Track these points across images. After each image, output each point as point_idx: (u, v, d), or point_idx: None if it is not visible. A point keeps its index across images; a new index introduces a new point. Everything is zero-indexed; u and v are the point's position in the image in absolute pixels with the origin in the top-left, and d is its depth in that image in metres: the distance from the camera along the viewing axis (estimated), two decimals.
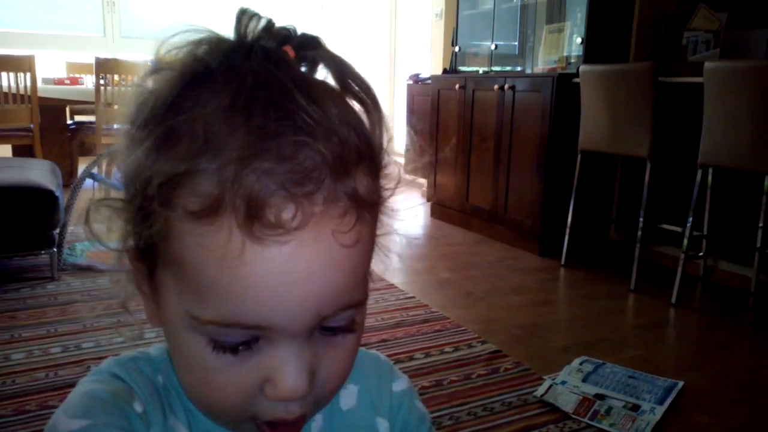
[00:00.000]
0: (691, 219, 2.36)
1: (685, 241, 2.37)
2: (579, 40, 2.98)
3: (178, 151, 0.34)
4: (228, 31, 0.41)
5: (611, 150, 2.65)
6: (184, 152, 0.33)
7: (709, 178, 2.55)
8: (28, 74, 4.07)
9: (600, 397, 1.59)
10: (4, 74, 4.03)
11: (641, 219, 2.53)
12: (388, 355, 1.84)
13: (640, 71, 2.46)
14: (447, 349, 1.89)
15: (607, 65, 2.63)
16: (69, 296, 2.27)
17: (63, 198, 2.51)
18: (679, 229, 2.55)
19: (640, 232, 2.54)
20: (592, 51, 2.94)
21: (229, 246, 0.33)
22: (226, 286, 0.34)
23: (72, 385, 1.36)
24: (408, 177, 4.76)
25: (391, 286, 2.48)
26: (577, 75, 2.79)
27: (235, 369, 0.36)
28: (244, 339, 0.36)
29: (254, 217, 0.32)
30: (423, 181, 4.47)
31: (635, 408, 1.54)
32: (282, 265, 0.33)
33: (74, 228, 3.16)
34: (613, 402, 1.56)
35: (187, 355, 0.38)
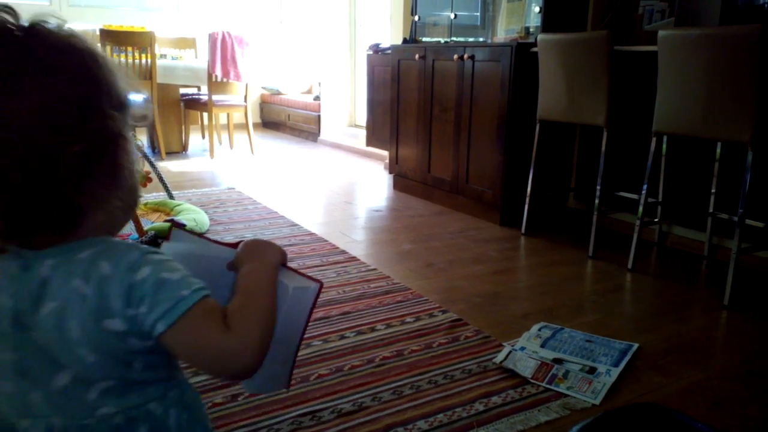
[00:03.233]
0: (646, 186, 2.40)
1: (641, 208, 2.42)
2: (537, 9, 2.97)
3: None
4: None
5: (569, 119, 2.67)
6: None
7: (664, 146, 2.60)
8: None
9: (558, 361, 1.62)
10: None
11: (598, 187, 2.57)
12: (350, 327, 1.85)
13: (596, 40, 2.47)
14: (408, 319, 1.89)
15: (563, 34, 2.63)
16: None
17: None
18: (635, 197, 2.60)
19: (597, 200, 2.57)
20: (550, 20, 2.93)
21: None
22: None
23: None
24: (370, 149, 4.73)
25: (353, 258, 2.47)
26: (536, 44, 2.79)
27: None
28: None
29: None
30: (385, 153, 4.45)
31: (592, 371, 1.57)
32: None
33: None
34: (571, 366, 1.59)
35: None
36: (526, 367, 1.57)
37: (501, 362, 1.60)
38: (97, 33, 4.34)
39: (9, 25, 0.57)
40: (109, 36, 4.41)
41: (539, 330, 1.80)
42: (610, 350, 1.69)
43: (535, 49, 2.79)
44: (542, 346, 1.70)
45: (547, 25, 2.92)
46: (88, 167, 0.57)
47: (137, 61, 4.49)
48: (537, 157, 2.83)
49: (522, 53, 2.85)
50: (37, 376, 0.58)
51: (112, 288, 0.57)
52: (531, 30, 3.09)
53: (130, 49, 4.47)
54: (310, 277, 0.71)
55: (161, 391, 0.63)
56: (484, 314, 1.96)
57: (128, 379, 0.60)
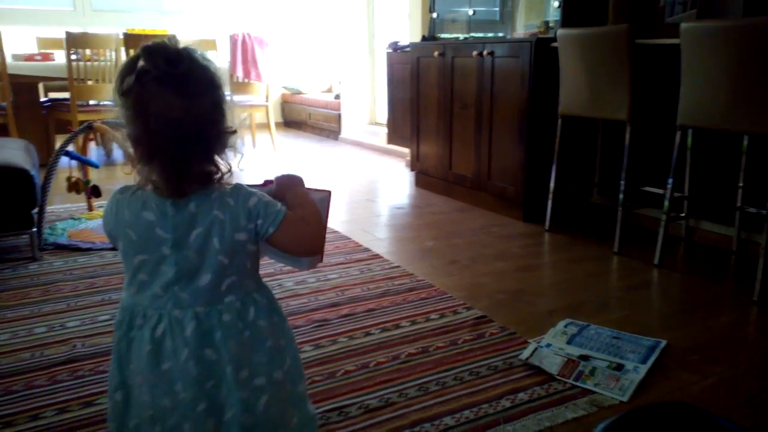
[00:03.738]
0: (671, 180, 2.37)
1: (667, 203, 2.39)
2: (556, 3, 2.95)
3: None
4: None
5: (591, 114, 2.64)
6: None
7: (689, 139, 2.56)
8: None
9: (584, 358, 1.61)
10: None
11: (623, 182, 2.54)
12: (375, 324, 1.86)
13: (616, 34, 2.44)
14: (433, 316, 1.90)
15: (584, 28, 2.60)
16: (51, 276, 2.24)
17: (39, 177, 2.46)
18: (660, 191, 2.56)
19: (622, 195, 2.55)
20: (569, 15, 2.91)
21: None
22: None
23: (59, 364, 1.36)
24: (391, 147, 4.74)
25: (377, 256, 2.48)
26: (555, 39, 2.77)
27: None
28: None
29: None
30: (406, 150, 4.45)
31: (619, 367, 1.56)
32: None
33: (54, 207, 3.11)
34: (598, 362, 1.59)
35: None
36: (552, 363, 1.57)
37: (527, 359, 1.60)
38: (121, 37, 4.40)
39: (186, 49, 0.85)
40: (132, 40, 4.47)
41: (565, 327, 1.79)
42: (637, 347, 1.67)
43: (555, 44, 2.77)
44: (568, 342, 1.69)
45: (566, 20, 2.90)
46: (225, 140, 0.88)
47: None
48: (559, 153, 2.81)
49: (542, 48, 2.83)
50: (188, 280, 0.87)
51: (238, 213, 0.88)
52: (550, 25, 3.07)
53: None
54: (321, 190, 1.02)
55: (256, 284, 0.94)
56: (509, 311, 1.95)
57: (243, 274, 0.91)
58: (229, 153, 0.90)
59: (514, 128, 2.98)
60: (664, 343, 1.70)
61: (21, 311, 1.93)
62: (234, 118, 0.90)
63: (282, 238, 0.90)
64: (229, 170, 0.90)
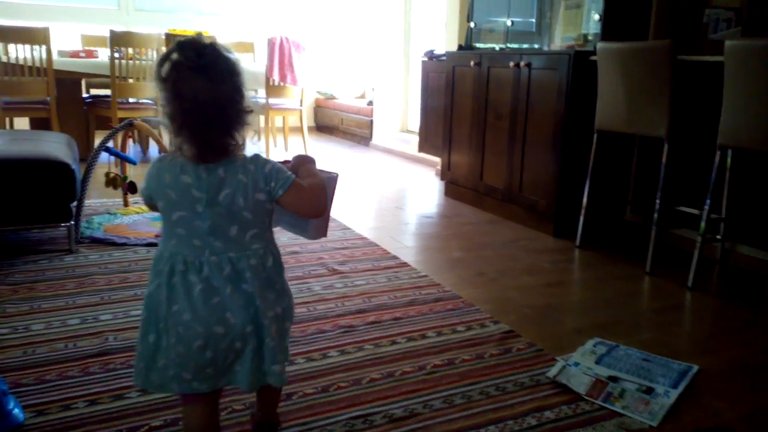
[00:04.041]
0: (709, 201, 2.32)
1: (703, 224, 2.34)
2: (597, 16, 2.92)
3: None
4: None
5: (628, 130, 2.61)
6: None
7: (728, 159, 2.51)
8: (43, 47, 4.07)
9: (613, 379, 1.58)
10: (19, 47, 4.04)
11: (658, 201, 2.50)
12: (401, 333, 1.85)
13: (658, 49, 2.41)
14: (459, 328, 1.89)
15: (624, 43, 2.57)
16: (86, 269, 2.29)
17: (79, 171, 2.52)
18: (696, 212, 2.51)
19: (656, 214, 2.51)
20: (610, 28, 2.87)
21: None
22: None
23: (91, 356, 1.39)
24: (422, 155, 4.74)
25: (404, 264, 2.48)
26: (594, 53, 2.74)
27: None
28: None
29: None
30: (437, 159, 4.44)
31: (649, 391, 1.53)
32: None
33: (91, 201, 3.18)
34: (627, 384, 1.56)
35: None
36: (580, 383, 1.55)
37: (554, 377, 1.58)
38: (163, 37, 4.49)
39: (212, 43, 1.03)
40: (173, 40, 4.56)
41: (594, 346, 1.77)
42: (668, 371, 1.64)
43: (594, 58, 2.74)
44: (597, 362, 1.67)
45: (606, 33, 2.87)
46: (246, 114, 1.05)
47: None
48: (593, 168, 2.78)
49: (580, 61, 2.80)
50: (220, 232, 1.05)
51: (257, 177, 1.06)
52: (589, 37, 3.04)
53: None
54: (331, 172, 1.20)
55: (272, 239, 1.13)
56: (537, 327, 1.93)
57: (263, 228, 1.10)
58: (246, 129, 1.07)
59: (548, 141, 2.95)
60: (696, 368, 1.67)
61: (56, 302, 1.98)
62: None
63: (289, 199, 1.08)
64: (244, 143, 1.07)
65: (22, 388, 1.45)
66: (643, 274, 2.47)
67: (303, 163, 1.18)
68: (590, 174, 2.79)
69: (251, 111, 1.07)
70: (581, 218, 2.82)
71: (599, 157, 2.80)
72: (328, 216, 1.21)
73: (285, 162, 1.18)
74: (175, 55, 1.00)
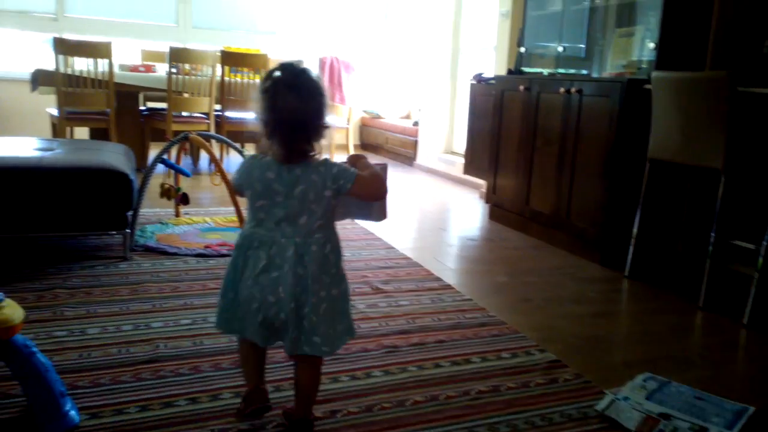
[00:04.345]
0: None
1: (761, 260, 2.26)
2: (652, 45, 2.88)
3: None
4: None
5: (683, 160, 2.55)
6: None
7: None
8: (106, 61, 4.25)
9: (665, 416, 1.53)
10: (83, 60, 4.23)
11: (713, 234, 2.43)
12: (445, 356, 1.84)
13: (716, 80, 2.36)
14: (504, 354, 1.86)
15: (681, 72, 2.53)
16: (139, 276, 2.36)
17: (136, 181, 2.61)
18: (753, 246, 2.43)
19: (711, 248, 2.43)
20: (665, 56, 2.83)
21: None
22: None
23: (143, 362, 1.43)
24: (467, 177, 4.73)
25: (448, 286, 2.47)
26: (647, 81, 2.70)
27: None
28: None
29: None
30: (481, 182, 4.43)
31: (702, 431, 1.48)
32: None
33: (144, 211, 3.28)
34: (679, 423, 1.51)
35: None
36: (629, 418, 1.51)
37: (603, 410, 1.54)
38: (218, 53, 4.64)
39: (305, 69, 1.27)
40: (228, 57, 4.70)
41: (644, 381, 1.72)
42: (722, 411, 1.58)
43: (648, 86, 2.70)
44: (648, 398, 1.62)
45: (661, 62, 2.82)
46: (322, 129, 1.28)
47: (251, 81, 4.76)
48: (645, 197, 2.73)
49: (632, 89, 2.77)
50: (292, 220, 1.27)
51: (326, 177, 1.27)
52: (642, 65, 3.00)
53: (246, 69, 4.75)
54: (380, 162, 1.40)
55: (333, 230, 1.34)
56: (584, 358, 1.89)
57: (326, 219, 1.30)
58: (322, 140, 1.30)
59: (597, 168, 2.91)
60: (752, 409, 1.60)
61: (111, 308, 2.04)
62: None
63: (356, 189, 1.30)
64: (320, 151, 1.30)
65: (78, 390, 1.50)
66: (696, 309, 2.40)
67: (358, 159, 1.39)
68: (642, 203, 2.73)
69: (328, 126, 1.29)
70: (631, 248, 2.76)
71: (651, 187, 2.74)
72: (386, 200, 1.43)
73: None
74: (276, 74, 1.25)
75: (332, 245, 1.31)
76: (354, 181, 1.29)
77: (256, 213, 1.30)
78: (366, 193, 1.33)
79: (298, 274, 1.26)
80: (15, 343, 1.32)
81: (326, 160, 1.30)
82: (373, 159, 1.48)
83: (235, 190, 1.37)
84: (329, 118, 1.29)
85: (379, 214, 1.44)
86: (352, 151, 5.31)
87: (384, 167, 1.41)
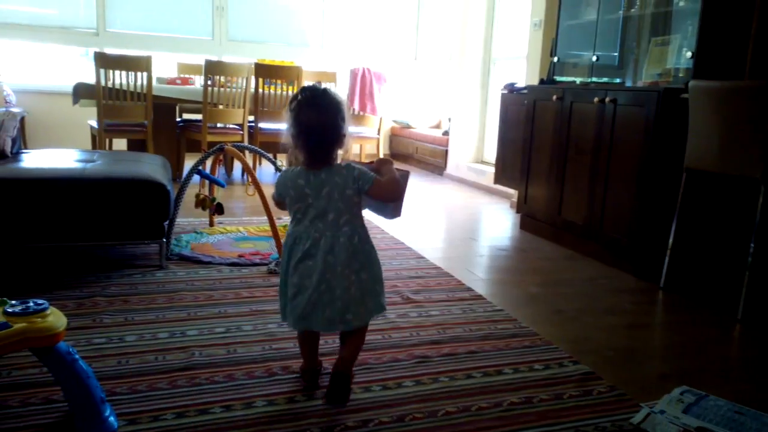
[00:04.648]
0: None
1: None
2: (689, 54, 2.83)
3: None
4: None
5: (720, 170, 2.50)
6: None
7: None
8: (145, 74, 4.37)
9: (703, 431, 1.50)
10: (123, 73, 4.35)
11: (752, 244, 2.37)
12: (477, 367, 1.84)
13: (756, 90, 2.31)
14: (537, 366, 1.85)
15: (720, 81, 2.48)
16: (175, 285, 2.42)
17: (173, 191, 2.68)
18: None
19: (750, 259, 2.38)
20: (702, 65, 2.78)
21: None
22: None
23: (179, 370, 1.47)
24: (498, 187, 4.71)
25: (479, 296, 2.46)
26: (684, 90, 2.66)
27: None
28: None
29: None
30: (511, 191, 4.40)
31: None
32: None
33: (178, 220, 3.36)
34: None
35: None
36: None
37: (638, 423, 1.52)
38: (252, 66, 4.73)
39: (325, 89, 1.55)
40: (262, 69, 4.79)
41: (681, 394, 1.69)
42: (762, 426, 1.54)
43: (684, 96, 2.66)
44: (685, 411, 1.59)
45: (699, 71, 2.78)
46: (342, 138, 1.53)
47: (284, 92, 4.84)
48: (681, 208, 2.68)
49: (668, 99, 2.73)
50: (322, 217, 1.52)
51: (348, 179, 1.52)
52: (678, 74, 2.95)
53: (279, 81, 4.83)
54: (403, 170, 1.61)
55: (361, 223, 1.58)
56: (618, 370, 1.87)
57: (353, 215, 1.55)
58: (342, 149, 1.54)
59: (632, 178, 2.87)
60: None
61: (147, 315, 2.10)
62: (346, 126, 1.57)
63: (373, 190, 1.53)
64: (341, 157, 1.53)
65: (116, 397, 1.54)
66: (734, 322, 2.34)
67: (384, 164, 1.61)
68: (678, 214, 2.68)
69: (345, 135, 1.54)
70: (667, 259, 2.71)
71: (687, 197, 2.69)
72: (402, 202, 1.62)
73: (370, 163, 1.63)
74: (300, 95, 1.52)
75: (360, 237, 1.55)
76: (372, 183, 1.52)
77: (295, 214, 1.56)
78: (382, 195, 1.55)
79: (328, 263, 1.50)
80: (59, 350, 1.37)
81: (349, 164, 1.53)
82: (400, 167, 1.65)
83: (276, 202, 1.62)
84: (347, 129, 1.53)
85: (394, 212, 1.64)
86: None
87: (406, 175, 1.60)
